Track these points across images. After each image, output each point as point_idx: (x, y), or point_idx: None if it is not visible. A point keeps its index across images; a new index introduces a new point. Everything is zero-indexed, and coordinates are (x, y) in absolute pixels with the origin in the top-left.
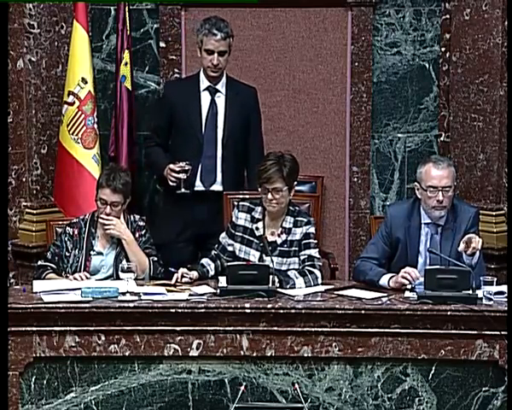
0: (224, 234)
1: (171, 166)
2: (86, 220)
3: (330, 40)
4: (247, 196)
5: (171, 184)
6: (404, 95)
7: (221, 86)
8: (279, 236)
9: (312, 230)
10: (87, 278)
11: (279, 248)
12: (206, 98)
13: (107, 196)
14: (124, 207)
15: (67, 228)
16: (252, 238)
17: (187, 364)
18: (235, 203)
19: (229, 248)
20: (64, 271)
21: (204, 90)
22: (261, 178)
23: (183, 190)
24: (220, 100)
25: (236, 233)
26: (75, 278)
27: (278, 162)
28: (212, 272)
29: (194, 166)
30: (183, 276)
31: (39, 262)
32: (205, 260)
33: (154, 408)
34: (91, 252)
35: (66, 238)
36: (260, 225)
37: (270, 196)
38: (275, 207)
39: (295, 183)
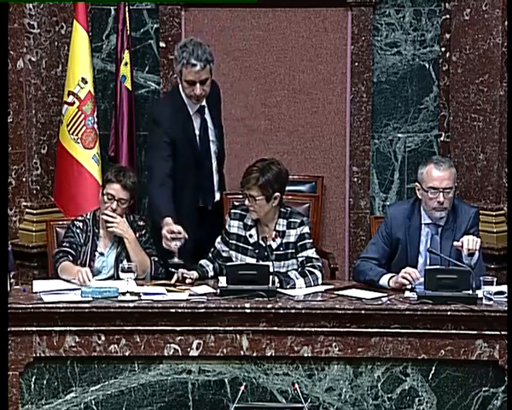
0: (219, 239)
1: (165, 230)
2: (90, 219)
3: (330, 40)
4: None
5: (164, 246)
6: (404, 95)
7: (204, 101)
8: (273, 240)
9: (307, 229)
10: (89, 279)
11: (275, 253)
12: (197, 119)
13: (115, 192)
14: (127, 208)
15: (75, 222)
16: (246, 246)
17: (187, 364)
18: (233, 204)
19: (224, 254)
20: (79, 260)
21: (194, 113)
22: (242, 182)
23: (175, 259)
24: (207, 114)
25: (230, 241)
26: (79, 279)
27: (260, 170)
28: (211, 273)
29: (192, 184)
30: (183, 276)
31: (56, 250)
32: (203, 261)
33: (154, 408)
34: (96, 252)
35: (77, 230)
36: (254, 231)
37: (247, 201)
38: (253, 213)
39: (277, 194)
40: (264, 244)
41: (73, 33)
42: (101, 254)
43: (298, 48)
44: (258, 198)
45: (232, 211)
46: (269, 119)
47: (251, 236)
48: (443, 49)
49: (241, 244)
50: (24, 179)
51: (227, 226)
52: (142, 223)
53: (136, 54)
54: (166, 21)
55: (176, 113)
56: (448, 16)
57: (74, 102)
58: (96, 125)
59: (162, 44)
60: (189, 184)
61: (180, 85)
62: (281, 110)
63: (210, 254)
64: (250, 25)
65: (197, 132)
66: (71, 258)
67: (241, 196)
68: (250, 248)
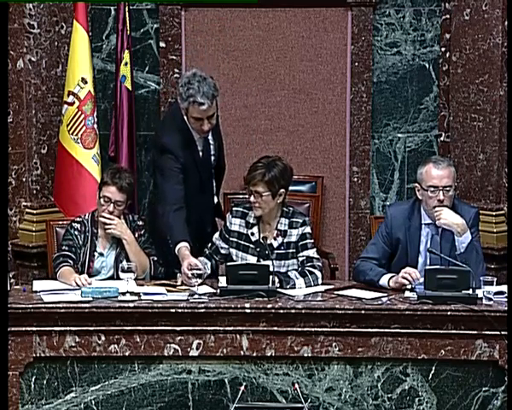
0: (217, 235)
1: (185, 267)
2: (88, 220)
3: (330, 40)
4: (247, 197)
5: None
6: (404, 95)
7: None
8: (275, 239)
9: (308, 230)
10: (88, 283)
11: (276, 252)
12: (200, 142)
13: (111, 194)
14: (125, 209)
15: (73, 224)
16: (247, 244)
17: (187, 364)
18: (232, 204)
19: (223, 251)
20: (79, 262)
21: (198, 138)
22: (246, 179)
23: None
24: (210, 136)
25: (231, 239)
26: (77, 284)
27: (265, 166)
28: (208, 271)
29: (197, 208)
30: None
31: (56, 254)
32: (201, 259)
33: (154, 408)
34: (95, 253)
35: (75, 232)
36: (255, 229)
37: (252, 198)
38: (257, 210)
39: (282, 190)
40: (264, 243)
41: (73, 33)
42: (101, 254)
43: (298, 48)
44: (265, 194)
45: (234, 209)
46: (269, 119)
47: (252, 234)
48: (443, 49)
49: (243, 242)
50: (24, 179)
51: (228, 223)
52: (141, 223)
53: (136, 54)
54: (166, 21)
55: (184, 141)
56: (448, 16)
57: (74, 102)
58: (95, 125)
59: (162, 44)
60: (194, 209)
61: (185, 117)
62: (281, 110)
63: (207, 251)
64: (250, 25)
65: (200, 155)
66: (70, 262)
67: (241, 197)
68: (251, 246)
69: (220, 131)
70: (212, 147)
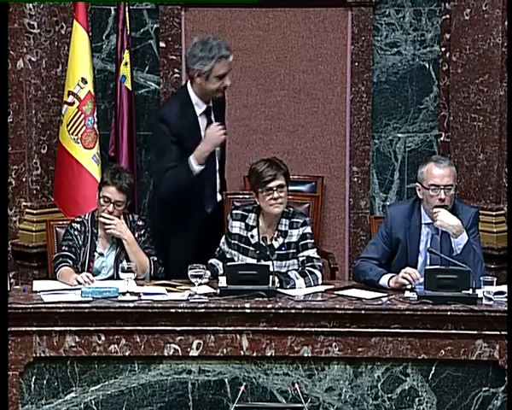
0: (223, 239)
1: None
2: (88, 220)
3: (330, 40)
4: (247, 197)
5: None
6: (404, 95)
7: (211, 102)
8: (276, 239)
9: (309, 229)
10: (91, 280)
11: (277, 252)
12: (203, 121)
13: (111, 195)
14: (124, 209)
15: (73, 224)
16: (247, 246)
17: (187, 364)
18: (234, 204)
19: (228, 256)
20: (79, 262)
21: (201, 114)
22: (264, 179)
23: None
24: (212, 115)
25: (233, 242)
26: (79, 282)
27: (274, 163)
28: (221, 271)
29: (197, 185)
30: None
31: (56, 254)
32: (213, 260)
33: (154, 408)
34: (95, 253)
35: (75, 232)
36: (255, 232)
37: (275, 194)
38: (279, 207)
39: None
40: (264, 244)
41: (73, 33)
42: (101, 254)
43: (298, 48)
44: (285, 186)
45: (234, 212)
46: (269, 119)
47: (252, 236)
48: (443, 49)
49: (243, 245)
50: (24, 179)
51: (229, 227)
52: (141, 223)
53: (136, 54)
54: (166, 21)
55: (183, 112)
56: (448, 16)
57: (74, 102)
58: (95, 125)
59: (162, 44)
60: (193, 186)
61: (191, 85)
62: (281, 110)
63: (217, 254)
64: (250, 25)
65: (203, 134)
66: (70, 262)
67: (241, 197)
68: (251, 249)
69: (225, 116)
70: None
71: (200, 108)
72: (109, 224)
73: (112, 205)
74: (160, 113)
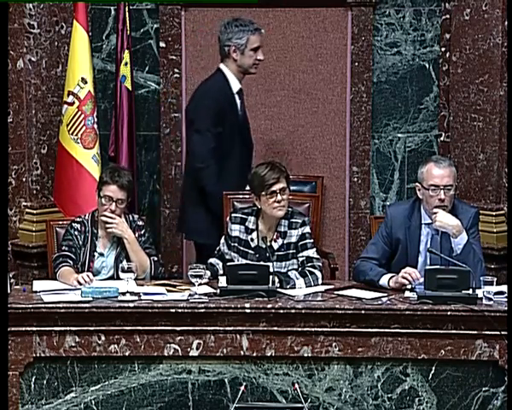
0: (222, 240)
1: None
2: (88, 220)
3: (330, 40)
4: (247, 197)
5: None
6: (404, 95)
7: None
8: (275, 241)
9: (308, 229)
10: (91, 280)
11: (276, 253)
12: (238, 99)
13: (112, 193)
14: (126, 207)
15: (73, 224)
16: (247, 249)
17: (187, 364)
18: (235, 205)
19: (227, 257)
20: (79, 262)
21: (236, 93)
22: (267, 183)
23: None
24: (243, 99)
25: (232, 244)
26: (79, 282)
27: (275, 166)
28: (221, 271)
29: (238, 157)
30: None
31: (56, 254)
32: (213, 260)
33: (154, 408)
34: (95, 253)
35: (75, 232)
36: (255, 235)
37: (278, 196)
38: (282, 209)
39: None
40: (264, 245)
41: (73, 33)
42: (101, 254)
43: (298, 48)
44: (287, 188)
45: (233, 215)
46: (269, 119)
47: (252, 239)
48: (443, 49)
49: (242, 248)
50: (24, 179)
51: (228, 230)
52: (141, 223)
53: (136, 54)
54: (166, 21)
55: (222, 87)
56: (448, 16)
57: (74, 102)
58: (95, 125)
59: (162, 44)
60: (235, 157)
61: (225, 65)
62: (281, 110)
63: (216, 253)
64: None
65: (239, 111)
66: (70, 262)
67: (241, 197)
68: (250, 252)
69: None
70: (246, 109)
71: (235, 86)
72: (110, 223)
73: (114, 203)
74: (202, 88)
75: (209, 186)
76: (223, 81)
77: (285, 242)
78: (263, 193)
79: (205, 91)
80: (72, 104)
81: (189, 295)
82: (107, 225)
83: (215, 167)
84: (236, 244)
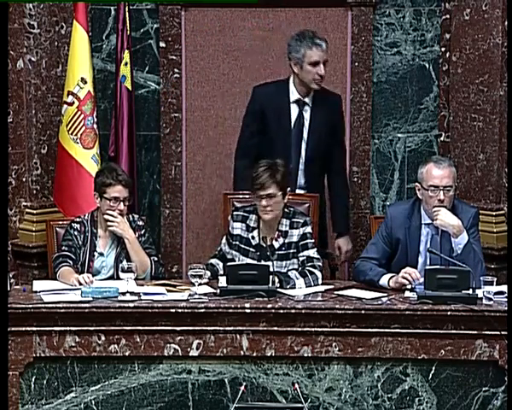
0: (224, 240)
1: None
2: (87, 220)
3: (330, 40)
4: (247, 197)
5: None
6: (404, 95)
7: (309, 100)
8: (276, 240)
9: (309, 229)
10: (91, 281)
11: (277, 252)
12: (294, 111)
13: (119, 193)
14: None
15: (73, 224)
16: (248, 247)
17: (187, 364)
18: (235, 205)
19: (229, 256)
20: (79, 262)
21: (293, 102)
22: (254, 185)
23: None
24: (307, 113)
25: (234, 242)
26: (79, 282)
27: (270, 168)
28: (221, 271)
29: None
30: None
31: (56, 254)
32: (214, 260)
33: (154, 408)
34: (94, 253)
35: (75, 232)
36: (256, 233)
37: (264, 202)
38: (269, 214)
39: (288, 188)
40: (264, 245)
41: (73, 33)
42: (101, 254)
43: None
44: (278, 195)
45: (234, 213)
46: None
47: (253, 237)
48: (443, 49)
49: (243, 246)
50: (24, 179)
51: (230, 228)
52: (141, 223)
53: (136, 54)
54: (166, 21)
55: (277, 92)
56: (448, 16)
57: (74, 102)
58: (95, 126)
59: (162, 44)
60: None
61: (294, 77)
62: None
63: (217, 254)
64: (250, 25)
65: (292, 121)
66: (70, 262)
67: (241, 197)
68: (251, 250)
69: (338, 137)
70: (305, 130)
71: (293, 95)
72: (112, 221)
73: (121, 203)
74: (254, 91)
75: (234, 182)
76: (282, 87)
77: (286, 241)
78: (252, 193)
79: (261, 90)
80: (71, 104)
81: (189, 295)
82: (109, 224)
83: (244, 164)
84: (238, 242)
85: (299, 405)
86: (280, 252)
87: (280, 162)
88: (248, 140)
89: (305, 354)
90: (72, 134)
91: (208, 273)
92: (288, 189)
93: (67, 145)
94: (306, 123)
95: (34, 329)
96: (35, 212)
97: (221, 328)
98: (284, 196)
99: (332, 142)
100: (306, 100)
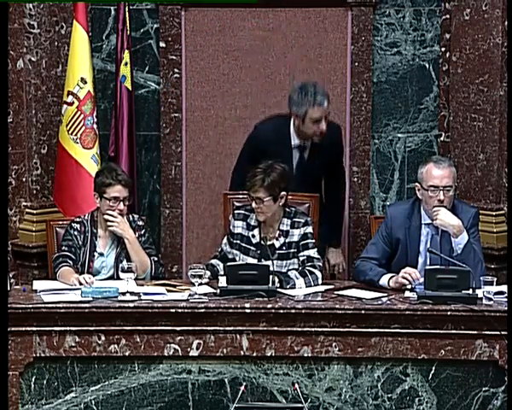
0: (225, 240)
1: None
2: (87, 220)
3: (330, 40)
4: (247, 197)
5: None
6: (404, 95)
7: (308, 142)
8: (277, 239)
9: (310, 229)
10: (92, 281)
11: (278, 252)
12: (295, 156)
13: (119, 193)
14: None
15: (73, 224)
16: (248, 246)
17: (187, 364)
18: (235, 204)
19: (230, 256)
20: (78, 262)
21: (294, 147)
22: (246, 185)
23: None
24: (306, 153)
25: (235, 241)
26: (80, 283)
27: (264, 171)
28: (221, 272)
29: None
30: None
31: (56, 254)
32: (214, 261)
33: (154, 408)
34: (94, 253)
35: (75, 233)
36: (256, 232)
37: (254, 204)
38: (260, 215)
39: (283, 193)
40: (264, 244)
41: (73, 33)
42: (101, 254)
43: (298, 48)
44: (266, 199)
45: (236, 211)
46: None
47: (253, 236)
48: (443, 49)
49: (244, 244)
50: (24, 179)
51: (231, 227)
52: (141, 223)
53: (136, 54)
54: (166, 21)
55: (278, 131)
56: (448, 16)
57: (73, 102)
58: (95, 125)
59: (162, 44)
60: None
61: (294, 124)
62: (281, 110)
63: (218, 254)
64: (250, 25)
65: (294, 165)
66: (70, 262)
67: (241, 197)
68: (252, 248)
69: (337, 165)
70: (306, 161)
71: (294, 140)
72: (112, 221)
73: (121, 203)
74: (267, 123)
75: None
76: (283, 129)
77: (287, 241)
78: (247, 193)
79: (262, 130)
80: (71, 104)
81: (189, 295)
82: (109, 223)
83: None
84: (239, 241)
85: (299, 405)
86: (280, 251)
87: (277, 166)
88: (247, 166)
89: (305, 354)
90: (72, 134)
91: (208, 273)
92: (283, 193)
93: (67, 145)
94: (306, 162)
95: (34, 329)
96: (35, 212)
97: (221, 328)
98: (276, 201)
99: (329, 168)
100: (307, 144)
